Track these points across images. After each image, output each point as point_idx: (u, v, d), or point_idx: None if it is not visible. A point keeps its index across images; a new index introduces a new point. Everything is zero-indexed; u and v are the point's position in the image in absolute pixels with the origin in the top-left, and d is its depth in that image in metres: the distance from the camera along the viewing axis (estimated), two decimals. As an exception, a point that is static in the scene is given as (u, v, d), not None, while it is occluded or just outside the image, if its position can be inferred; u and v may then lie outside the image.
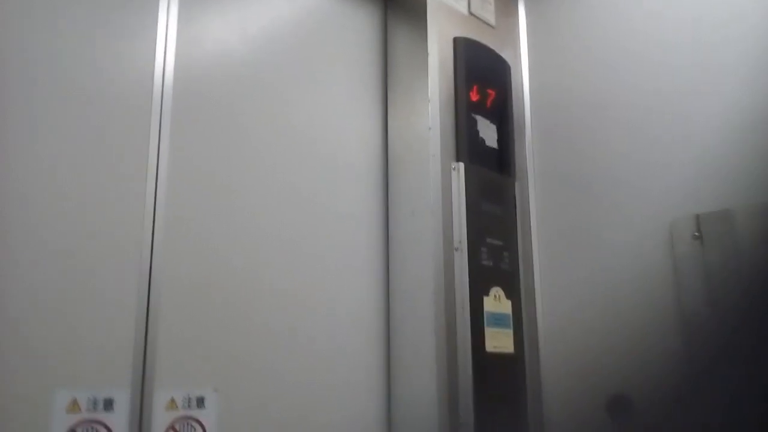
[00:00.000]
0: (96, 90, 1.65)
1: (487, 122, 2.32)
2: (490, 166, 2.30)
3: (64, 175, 1.57)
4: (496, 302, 2.19)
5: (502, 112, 2.39)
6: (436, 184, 2.13)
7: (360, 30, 2.34)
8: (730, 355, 1.88)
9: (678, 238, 2.06)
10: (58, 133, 1.58)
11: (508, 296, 2.23)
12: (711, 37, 2.08)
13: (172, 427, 1.63)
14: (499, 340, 2.16)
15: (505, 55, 2.49)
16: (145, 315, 1.63)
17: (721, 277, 1.96)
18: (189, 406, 1.67)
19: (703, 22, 2.11)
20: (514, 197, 2.38)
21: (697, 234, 2.01)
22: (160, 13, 1.80)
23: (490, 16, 2.49)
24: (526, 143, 2.50)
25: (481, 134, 2.29)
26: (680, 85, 2.13)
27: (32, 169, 1.53)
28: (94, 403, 1.51)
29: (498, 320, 2.18)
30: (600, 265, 2.23)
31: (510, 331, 2.22)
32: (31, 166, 1.53)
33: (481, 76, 2.34)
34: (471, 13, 2.42)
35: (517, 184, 2.40)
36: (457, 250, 2.12)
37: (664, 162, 2.13)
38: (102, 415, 1.51)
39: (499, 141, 2.35)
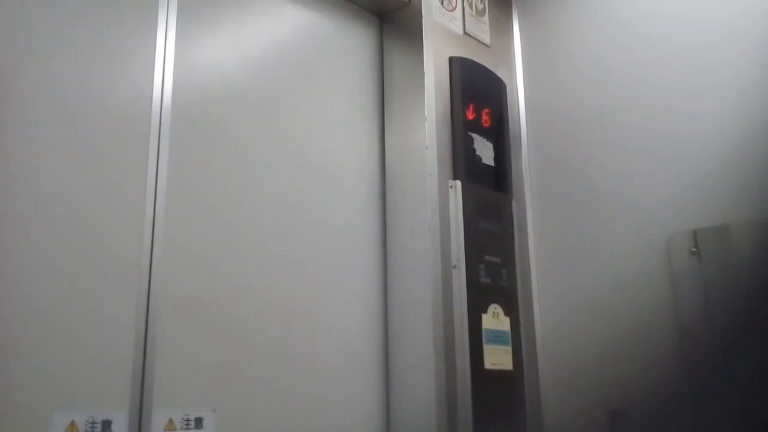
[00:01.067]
0: (95, 110, 1.66)
1: (484, 140, 2.33)
2: (487, 184, 2.31)
3: (64, 193, 1.58)
4: (495, 319, 2.19)
5: (498, 130, 2.41)
6: (434, 202, 2.14)
7: (356, 50, 2.36)
8: (728, 369, 1.88)
9: (675, 253, 2.06)
10: (57, 154, 1.59)
11: (506, 313, 2.23)
12: (704, 56, 2.10)
13: (170, 447, 1.63)
14: (497, 357, 2.16)
15: (500, 73, 2.51)
16: (143, 335, 1.63)
17: (719, 292, 1.97)
18: (187, 426, 1.66)
19: (695, 40, 2.13)
20: (512, 214, 2.38)
21: (694, 249, 2.02)
22: (158, 34, 1.82)
23: (484, 36, 2.52)
24: (523, 160, 2.51)
25: (478, 152, 2.30)
26: (675, 102, 2.15)
27: (31, 189, 1.53)
28: (93, 424, 1.51)
29: (496, 337, 2.18)
30: (598, 282, 2.23)
31: (509, 348, 2.22)
32: (30, 185, 1.53)
33: (477, 95, 2.36)
34: (466, 33, 2.44)
35: (514, 201, 2.41)
36: (455, 267, 2.13)
37: (660, 177, 2.14)
38: (100, 437, 1.52)
39: (495, 159, 2.36)
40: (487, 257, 2.22)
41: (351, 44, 2.34)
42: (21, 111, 1.55)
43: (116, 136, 1.69)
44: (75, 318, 1.54)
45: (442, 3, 2.37)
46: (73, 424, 1.48)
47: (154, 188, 1.72)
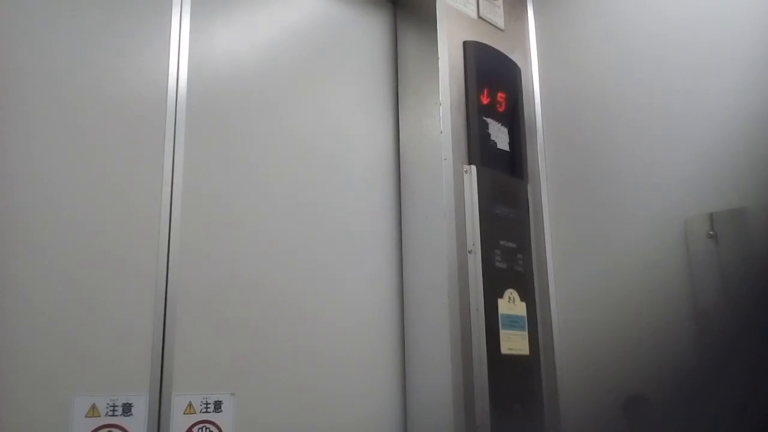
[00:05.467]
0: (110, 102, 1.68)
1: (499, 125, 2.32)
2: (502, 169, 2.30)
3: (83, 184, 1.60)
4: (511, 304, 2.18)
5: (513, 115, 2.40)
6: (449, 188, 2.13)
7: (370, 36, 2.35)
8: (745, 353, 1.87)
9: (692, 237, 2.05)
10: (77, 143, 1.60)
11: (522, 298, 2.23)
12: (721, 34, 2.08)
13: (189, 431, 1.64)
14: (513, 342, 2.16)
15: (514, 57, 2.49)
16: (162, 321, 1.65)
17: (736, 275, 1.95)
18: (207, 409, 1.68)
19: (711, 19, 2.11)
20: (527, 199, 2.38)
21: (711, 233, 2.00)
22: (173, 24, 1.83)
23: (499, 20, 2.50)
24: (538, 145, 2.50)
25: (493, 137, 2.29)
26: (691, 84, 2.13)
27: (53, 179, 1.55)
28: (113, 408, 1.53)
29: (512, 322, 2.17)
30: (614, 266, 2.22)
31: (525, 333, 2.21)
32: (51, 175, 1.55)
33: (492, 79, 2.35)
34: (480, 17, 2.43)
35: (529, 186, 2.40)
36: (470, 252, 2.13)
37: (677, 161, 2.12)
38: (121, 420, 1.53)
39: (510, 143, 2.35)
40: (502, 242, 2.22)
41: (364, 29, 2.34)
42: (28, 104, 1.56)
43: (132, 127, 1.70)
44: (96, 305, 1.56)
45: (455, -13, 2.36)
46: (94, 407, 1.50)
47: (170, 178, 1.74)
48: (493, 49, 2.41)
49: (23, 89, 1.55)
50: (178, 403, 1.63)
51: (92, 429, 1.49)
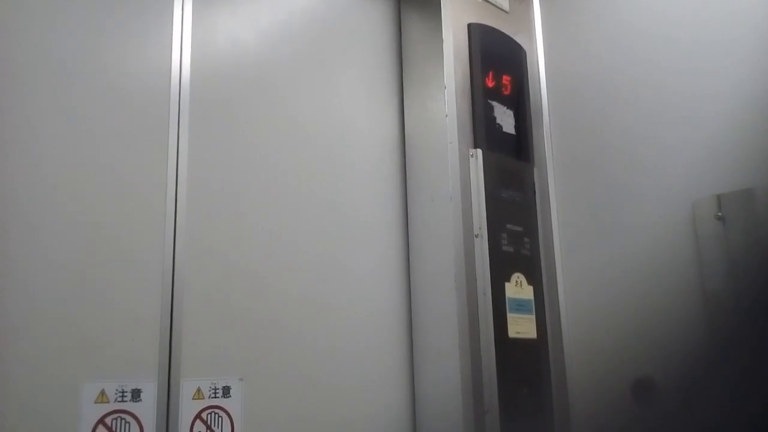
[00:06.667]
0: (113, 91, 1.67)
1: (504, 108, 2.31)
2: (508, 152, 2.29)
3: (89, 174, 1.60)
4: (518, 288, 2.18)
5: (518, 98, 2.38)
6: (455, 172, 2.12)
7: (374, 19, 2.34)
8: (753, 335, 1.86)
9: (700, 218, 2.03)
10: (82, 133, 1.60)
11: (529, 282, 2.23)
12: (729, 15, 2.06)
13: (198, 416, 1.65)
14: (521, 326, 2.16)
15: (519, 40, 2.48)
16: (169, 307, 1.65)
17: (744, 257, 1.94)
18: (215, 395, 1.68)
19: (720, -1, 2.09)
20: (533, 183, 2.37)
21: (719, 214, 1.99)
22: (175, 12, 1.82)
23: (503, 2, 2.48)
24: (544, 128, 2.48)
25: (498, 120, 2.28)
26: (698, 64, 2.11)
27: (58, 170, 1.55)
28: (122, 393, 1.53)
29: (520, 306, 2.17)
30: (621, 248, 2.21)
31: (532, 317, 2.21)
32: (56, 166, 1.55)
33: (497, 62, 2.34)
34: (485, -1, 2.41)
35: (535, 169, 2.39)
36: (477, 236, 2.12)
37: (684, 142, 2.11)
38: (130, 406, 1.54)
39: (516, 127, 2.34)
40: (509, 226, 2.21)
41: (368, 13, 2.32)
42: (31, 95, 1.56)
43: (136, 115, 1.70)
44: (104, 293, 1.57)
45: (459, -31, 2.34)
46: (103, 393, 1.51)
47: (175, 165, 1.74)
48: (498, 31, 2.39)
49: (26, 80, 1.55)
50: (186, 389, 1.64)
51: (102, 414, 1.50)
